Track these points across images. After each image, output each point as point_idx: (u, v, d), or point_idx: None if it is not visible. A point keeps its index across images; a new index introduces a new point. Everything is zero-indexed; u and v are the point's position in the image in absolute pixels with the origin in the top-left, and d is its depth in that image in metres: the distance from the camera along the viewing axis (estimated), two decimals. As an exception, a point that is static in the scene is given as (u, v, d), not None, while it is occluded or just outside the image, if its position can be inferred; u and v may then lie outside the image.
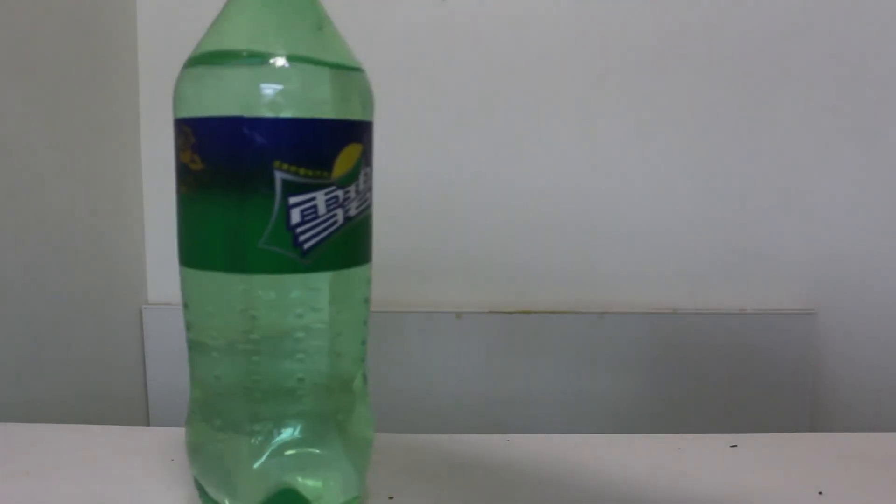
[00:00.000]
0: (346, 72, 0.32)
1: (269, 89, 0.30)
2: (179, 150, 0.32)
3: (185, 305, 0.33)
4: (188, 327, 0.33)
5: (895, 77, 0.67)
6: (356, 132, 0.33)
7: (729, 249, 0.69)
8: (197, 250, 0.32)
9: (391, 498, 0.39)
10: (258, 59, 0.30)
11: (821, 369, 0.69)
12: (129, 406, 0.72)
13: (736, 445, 0.46)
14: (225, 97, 0.30)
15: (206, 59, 0.31)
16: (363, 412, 0.36)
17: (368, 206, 0.34)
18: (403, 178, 0.68)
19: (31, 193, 0.66)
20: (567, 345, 0.67)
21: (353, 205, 0.33)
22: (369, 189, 0.34)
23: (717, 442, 0.46)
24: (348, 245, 0.33)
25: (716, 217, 0.68)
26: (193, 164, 0.31)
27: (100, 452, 0.43)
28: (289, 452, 0.32)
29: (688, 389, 0.68)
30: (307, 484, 0.33)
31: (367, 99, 0.34)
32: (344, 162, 0.32)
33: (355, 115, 0.32)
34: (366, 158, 0.34)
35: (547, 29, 0.67)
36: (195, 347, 0.33)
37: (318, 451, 0.33)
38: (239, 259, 0.31)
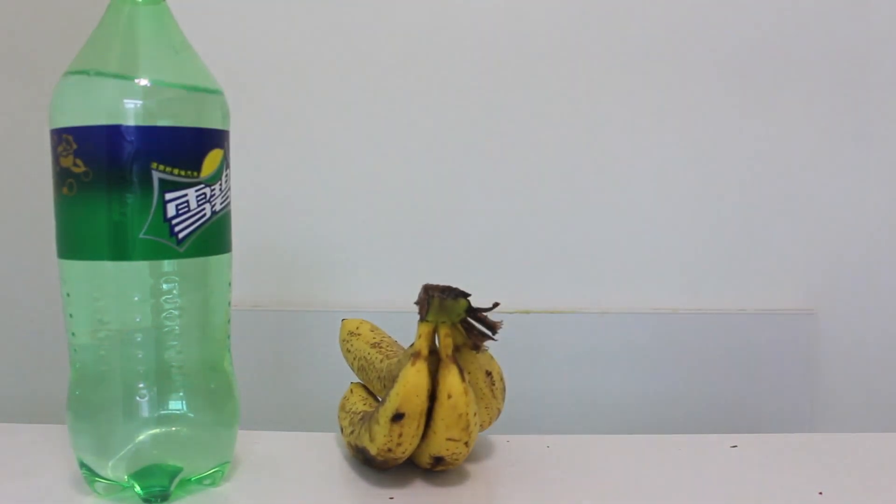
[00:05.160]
0: (205, 88, 0.38)
1: (143, 102, 0.35)
2: (60, 155, 0.36)
3: (67, 295, 0.37)
4: (69, 316, 0.37)
5: (895, 77, 0.67)
6: (219, 138, 0.38)
7: (729, 249, 0.69)
8: (81, 243, 0.36)
9: (391, 498, 0.39)
10: (133, 76, 0.35)
11: (821, 369, 0.69)
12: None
13: (736, 445, 0.46)
14: (107, 109, 0.35)
15: (85, 75, 0.36)
16: (231, 389, 0.40)
17: (229, 203, 0.39)
18: (403, 179, 0.68)
19: (31, 193, 0.66)
20: (567, 345, 0.67)
21: (218, 201, 0.38)
22: (229, 188, 0.39)
23: (717, 442, 0.47)
24: (216, 235, 0.38)
25: (716, 217, 0.68)
26: (76, 168, 0.35)
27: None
28: (164, 429, 0.37)
29: (688, 389, 0.68)
30: (180, 456, 0.38)
31: (225, 111, 0.39)
32: (210, 164, 0.37)
33: (217, 124, 0.38)
34: (226, 161, 0.39)
35: (548, 28, 0.67)
36: (76, 334, 0.37)
37: (190, 427, 0.38)
38: (122, 248, 0.35)
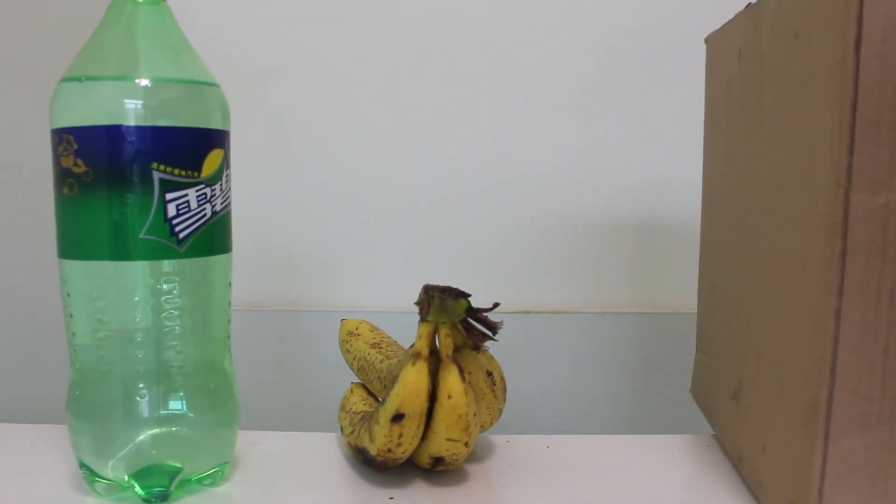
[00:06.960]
0: (206, 88, 0.38)
1: (144, 102, 0.35)
2: (60, 155, 0.36)
3: (67, 295, 0.37)
4: (69, 316, 0.37)
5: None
6: (219, 139, 0.38)
7: (729, 249, 0.69)
8: (82, 243, 0.36)
9: (391, 499, 0.39)
10: (133, 76, 0.35)
11: (821, 369, 0.69)
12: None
13: (736, 446, 0.46)
14: (107, 109, 0.35)
15: (86, 76, 0.36)
16: (231, 389, 0.41)
17: (229, 203, 0.40)
18: (402, 178, 0.68)
19: (31, 193, 0.66)
20: (567, 345, 0.67)
21: (219, 201, 0.38)
22: (230, 188, 0.40)
23: (717, 442, 0.47)
24: (216, 235, 0.38)
25: (716, 217, 0.68)
26: (77, 168, 0.35)
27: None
28: (164, 429, 0.37)
29: (688, 389, 0.68)
30: (180, 456, 0.38)
31: (226, 112, 0.39)
32: (210, 164, 0.37)
33: (217, 124, 0.38)
34: (227, 161, 0.39)
35: (547, 27, 0.67)
36: (77, 334, 0.37)
37: (190, 427, 0.38)
38: (123, 248, 0.35)
